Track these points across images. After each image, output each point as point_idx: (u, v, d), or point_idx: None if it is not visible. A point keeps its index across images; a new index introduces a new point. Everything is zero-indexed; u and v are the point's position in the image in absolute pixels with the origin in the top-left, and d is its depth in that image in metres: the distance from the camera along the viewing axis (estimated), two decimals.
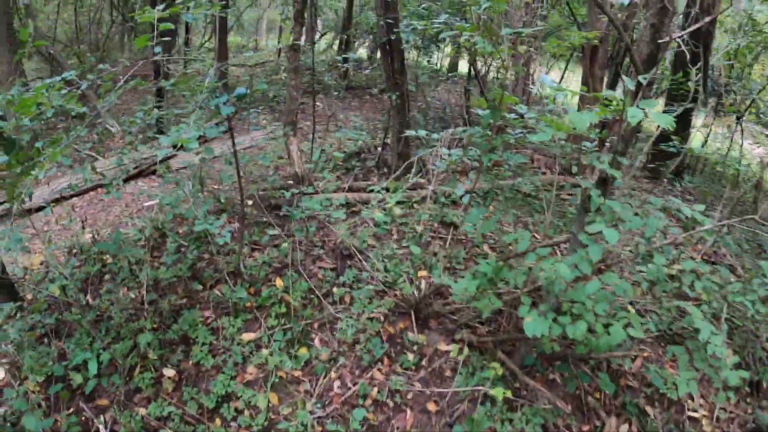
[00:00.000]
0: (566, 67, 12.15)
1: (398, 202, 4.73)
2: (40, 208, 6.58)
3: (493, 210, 5.14)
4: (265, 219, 4.93)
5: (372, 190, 5.47)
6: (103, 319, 4.13)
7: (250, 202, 5.33)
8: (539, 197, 5.60)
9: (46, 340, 4.04)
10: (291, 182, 5.79)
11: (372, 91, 11.24)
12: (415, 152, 6.58)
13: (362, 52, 17.76)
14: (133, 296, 4.33)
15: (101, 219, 5.92)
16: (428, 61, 11.69)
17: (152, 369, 3.71)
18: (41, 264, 5.10)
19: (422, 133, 3.04)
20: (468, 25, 3.80)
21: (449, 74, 13.63)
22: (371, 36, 14.78)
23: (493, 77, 8.72)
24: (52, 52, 10.23)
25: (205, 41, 16.79)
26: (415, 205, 5.22)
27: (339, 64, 6.58)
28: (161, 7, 2.55)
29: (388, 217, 4.39)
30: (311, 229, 4.67)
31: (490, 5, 3.09)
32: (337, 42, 16.24)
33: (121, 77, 3.24)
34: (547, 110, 4.65)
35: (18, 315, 4.26)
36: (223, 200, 5.37)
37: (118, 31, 15.31)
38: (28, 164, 2.24)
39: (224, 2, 8.97)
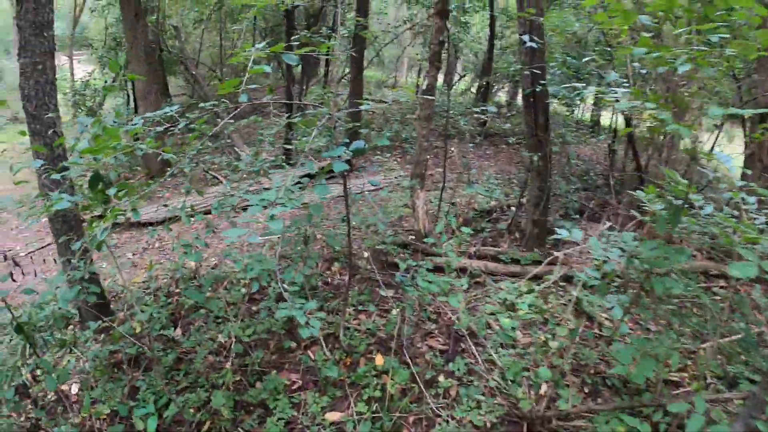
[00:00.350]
0: (720, 128, 10.58)
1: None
2: (162, 221, 6.68)
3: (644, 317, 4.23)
4: (377, 278, 4.44)
5: (501, 260, 4.81)
6: (185, 360, 3.85)
7: (366, 254, 4.89)
8: (693, 295, 4.57)
9: (124, 367, 3.83)
10: (413, 238, 5.30)
11: (509, 140, 10.54)
12: (554, 220, 5.81)
13: (501, 96, 17.15)
14: (222, 341, 4.01)
15: (212, 245, 5.79)
16: (570, 112, 10.76)
17: (222, 430, 3.32)
18: (143, 283, 5.01)
19: (577, 235, 2.31)
20: (634, 83, 3.10)
21: (593, 129, 12.58)
22: (511, 82, 14.12)
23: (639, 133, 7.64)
24: (194, 73, 10.79)
25: (346, 74, 17.09)
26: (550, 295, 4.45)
27: (476, 114, 6.12)
28: (260, 45, 2.18)
29: (516, 322, 3.68)
30: (426, 299, 4.10)
31: (689, 68, 2.37)
32: (476, 85, 15.77)
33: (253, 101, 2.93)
34: (724, 200, 3.76)
35: (102, 336, 4.11)
36: (338, 248, 4.97)
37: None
38: (105, 207, 1.97)
39: (360, 36, 8.78)
